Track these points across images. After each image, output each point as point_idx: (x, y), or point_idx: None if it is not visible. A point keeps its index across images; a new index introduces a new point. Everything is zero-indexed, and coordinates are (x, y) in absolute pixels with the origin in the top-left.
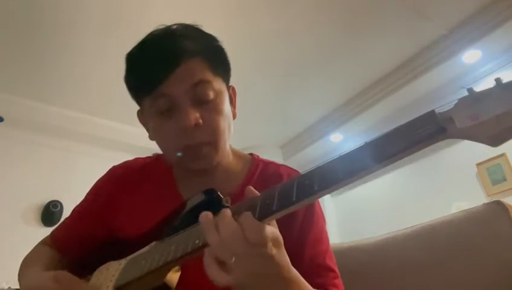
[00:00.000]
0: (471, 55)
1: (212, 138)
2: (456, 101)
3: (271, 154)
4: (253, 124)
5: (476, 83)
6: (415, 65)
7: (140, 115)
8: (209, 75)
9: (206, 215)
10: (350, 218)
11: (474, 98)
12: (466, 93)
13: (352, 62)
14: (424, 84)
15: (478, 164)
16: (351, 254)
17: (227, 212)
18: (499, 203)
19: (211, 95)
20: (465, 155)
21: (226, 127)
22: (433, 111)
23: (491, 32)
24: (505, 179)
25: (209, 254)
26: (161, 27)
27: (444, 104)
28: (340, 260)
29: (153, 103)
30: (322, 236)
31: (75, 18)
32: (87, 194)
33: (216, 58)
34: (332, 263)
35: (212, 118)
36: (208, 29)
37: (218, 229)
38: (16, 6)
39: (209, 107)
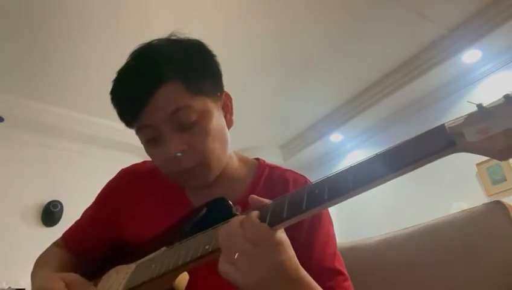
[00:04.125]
0: (471, 55)
1: (202, 160)
2: (466, 116)
3: (271, 154)
4: (253, 124)
5: (476, 83)
6: (415, 65)
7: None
8: (187, 99)
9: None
10: (350, 218)
11: (483, 113)
12: (475, 108)
13: (352, 62)
14: (424, 84)
15: (478, 164)
16: (351, 254)
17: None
18: (498, 203)
19: (193, 118)
20: (465, 155)
21: (216, 144)
22: (443, 125)
23: (491, 32)
24: (505, 179)
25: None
26: (142, 45)
27: (453, 119)
28: None
29: (138, 132)
30: (330, 239)
31: (75, 19)
32: (97, 197)
33: (197, 75)
34: (341, 265)
35: (198, 142)
36: (207, 30)
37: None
38: (16, 8)
39: (193, 131)
